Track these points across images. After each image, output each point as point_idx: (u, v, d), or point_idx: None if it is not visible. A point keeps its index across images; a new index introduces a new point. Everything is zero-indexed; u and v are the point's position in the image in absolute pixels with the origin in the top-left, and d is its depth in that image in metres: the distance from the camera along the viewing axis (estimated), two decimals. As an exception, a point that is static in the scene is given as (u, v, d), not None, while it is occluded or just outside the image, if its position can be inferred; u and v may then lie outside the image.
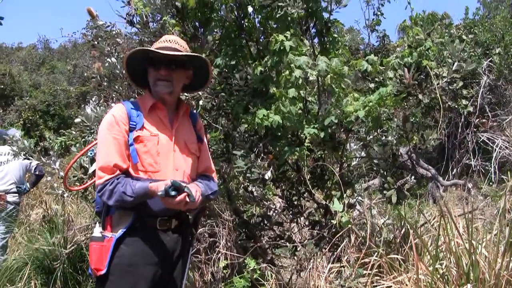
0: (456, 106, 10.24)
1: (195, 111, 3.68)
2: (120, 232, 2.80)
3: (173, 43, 2.96)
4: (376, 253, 4.16)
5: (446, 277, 3.82)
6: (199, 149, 3.13)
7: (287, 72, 3.90)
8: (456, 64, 4.42)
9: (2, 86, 26.20)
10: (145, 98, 3.03)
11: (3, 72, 26.88)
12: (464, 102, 10.26)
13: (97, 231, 2.85)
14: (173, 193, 2.60)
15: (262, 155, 4.42)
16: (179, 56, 2.90)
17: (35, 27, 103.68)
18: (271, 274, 4.51)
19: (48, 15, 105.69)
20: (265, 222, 5.17)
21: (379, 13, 11.09)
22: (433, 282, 3.70)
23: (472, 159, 10.24)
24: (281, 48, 3.91)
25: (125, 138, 2.83)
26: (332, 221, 4.34)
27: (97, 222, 2.94)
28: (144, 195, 2.73)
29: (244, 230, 5.09)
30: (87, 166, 4.46)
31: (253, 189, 5.15)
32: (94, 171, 2.97)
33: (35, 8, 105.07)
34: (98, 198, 2.90)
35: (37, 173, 7.03)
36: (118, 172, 2.78)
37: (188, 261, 3.06)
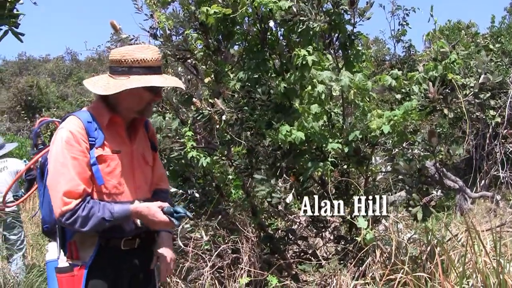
0: (484, 117, 10.16)
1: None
2: (89, 259, 2.60)
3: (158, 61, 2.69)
4: (402, 270, 4.07)
5: (474, 296, 3.73)
6: (154, 158, 2.95)
7: (310, 87, 3.86)
8: (483, 76, 4.31)
9: (30, 98, 26.61)
10: (100, 110, 2.71)
11: (31, 83, 27.36)
12: (491, 112, 10.19)
13: (63, 260, 2.61)
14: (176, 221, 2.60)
15: (284, 175, 4.34)
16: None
17: (62, 39, 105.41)
18: (293, 291, 4.45)
19: (75, 26, 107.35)
20: (290, 236, 5.11)
21: (404, 23, 11.06)
22: (460, 302, 3.61)
23: (501, 171, 10.06)
24: (303, 63, 3.86)
25: (87, 158, 2.56)
26: (357, 238, 4.27)
27: (57, 249, 2.68)
28: (124, 218, 2.59)
29: (268, 244, 5.04)
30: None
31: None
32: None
33: (62, 20, 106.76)
34: (47, 217, 2.73)
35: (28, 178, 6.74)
36: (85, 195, 2.53)
37: (156, 275, 2.91)
